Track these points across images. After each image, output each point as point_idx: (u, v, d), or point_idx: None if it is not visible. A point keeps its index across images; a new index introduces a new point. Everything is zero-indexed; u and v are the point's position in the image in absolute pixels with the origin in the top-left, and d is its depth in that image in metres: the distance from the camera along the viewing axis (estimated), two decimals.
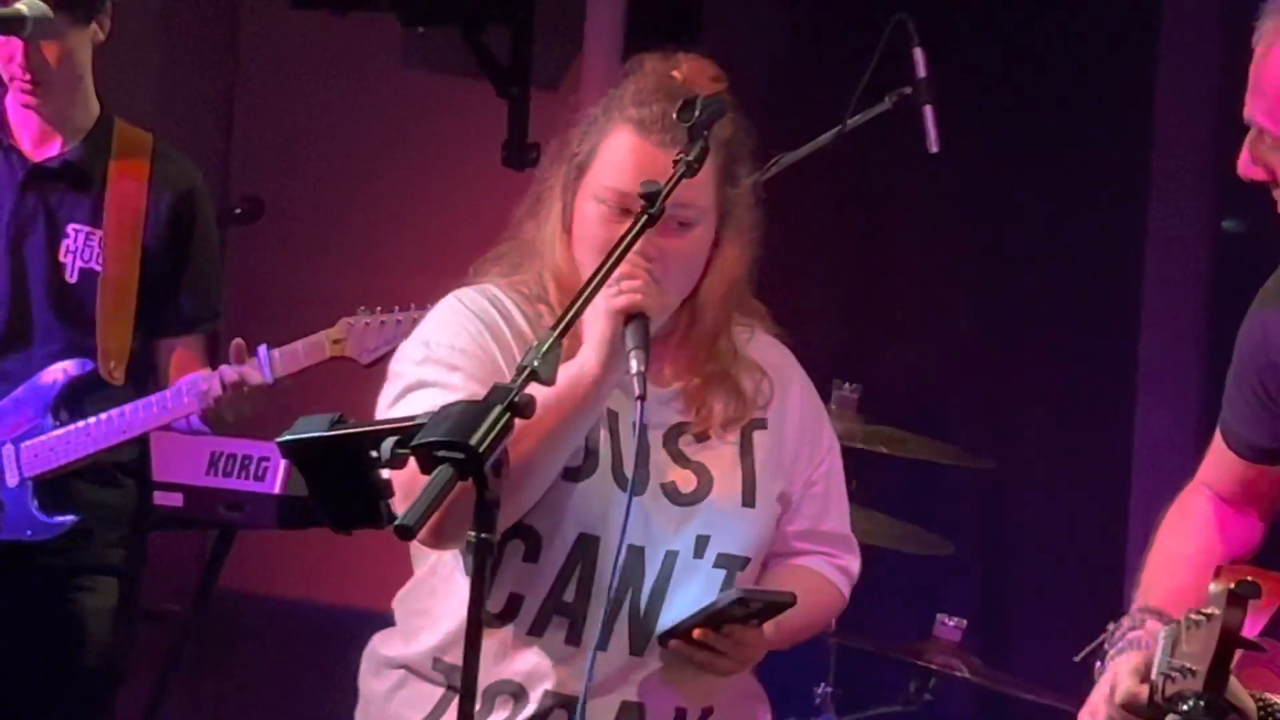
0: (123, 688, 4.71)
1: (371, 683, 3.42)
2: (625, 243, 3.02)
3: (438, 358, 3.22)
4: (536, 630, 3.23)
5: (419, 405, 3.08)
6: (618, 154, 3.21)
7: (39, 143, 4.48)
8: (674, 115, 3.15)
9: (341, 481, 2.78)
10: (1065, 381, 6.37)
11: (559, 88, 6.28)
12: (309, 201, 6.56)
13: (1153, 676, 2.64)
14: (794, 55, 6.39)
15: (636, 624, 3.22)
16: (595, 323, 3.14)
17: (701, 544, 3.24)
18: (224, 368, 4.36)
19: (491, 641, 3.21)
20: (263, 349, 4.37)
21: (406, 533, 2.61)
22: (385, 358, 4.44)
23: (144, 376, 4.51)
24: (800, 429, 3.38)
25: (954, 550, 5.54)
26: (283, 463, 5.47)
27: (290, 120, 6.62)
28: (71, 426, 4.39)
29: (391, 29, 6.23)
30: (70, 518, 4.39)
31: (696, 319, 3.29)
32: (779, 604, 3.19)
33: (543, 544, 3.21)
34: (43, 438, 4.39)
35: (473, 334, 3.24)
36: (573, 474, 3.20)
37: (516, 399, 2.70)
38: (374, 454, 2.71)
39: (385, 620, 6.61)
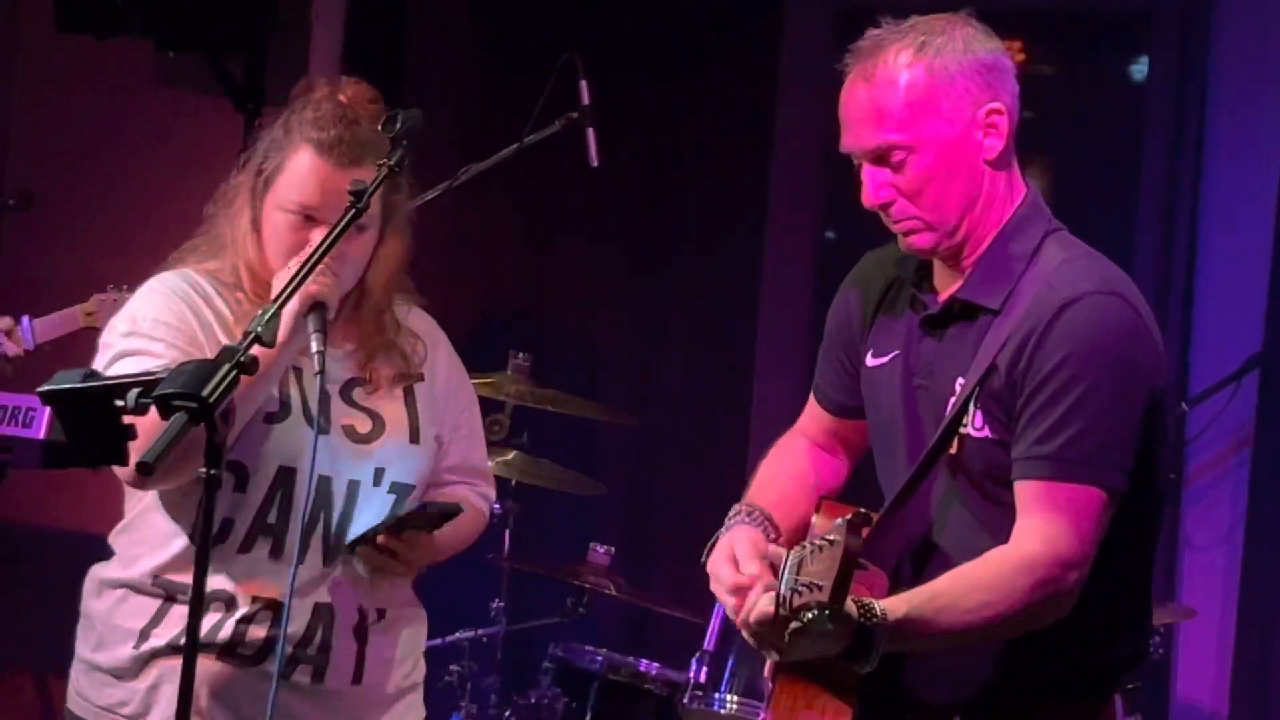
0: None
1: (93, 603, 3.33)
2: (338, 231, 2.99)
3: (143, 330, 3.17)
4: (245, 548, 3.20)
5: (126, 370, 3.03)
6: (300, 171, 3.20)
7: None
8: (347, 136, 3.17)
9: (92, 425, 2.71)
10: (699, 355, 6.45)
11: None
12: (74, 197, 6.38)
13: (781, 591, 2.62)
14: (483, 83, 6.38)
15: (328, 540, 3.22)
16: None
17: (379, 475, 3.26)
18: None
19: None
20: (26, 319, 4.26)
21: (147, 469, 2.56)
22: None
23: None
24: (447, 382, 3.41)
25: (605, 491, 5.58)
26: (47, 412, 5.33)
27: (59, 127, 6.44)
28: None
29: (146, 53, 6.09)
30: None
31: (364, 298, 3.30)
32: (449, 512, 3.26)
33: (250, 476, 3.18)
34: None
35: (175, 310, 3.19)
36: (271, 418, 3.19)
37: (243, 359, 2.66)
38: (120, 402, 2.65)
39: None
